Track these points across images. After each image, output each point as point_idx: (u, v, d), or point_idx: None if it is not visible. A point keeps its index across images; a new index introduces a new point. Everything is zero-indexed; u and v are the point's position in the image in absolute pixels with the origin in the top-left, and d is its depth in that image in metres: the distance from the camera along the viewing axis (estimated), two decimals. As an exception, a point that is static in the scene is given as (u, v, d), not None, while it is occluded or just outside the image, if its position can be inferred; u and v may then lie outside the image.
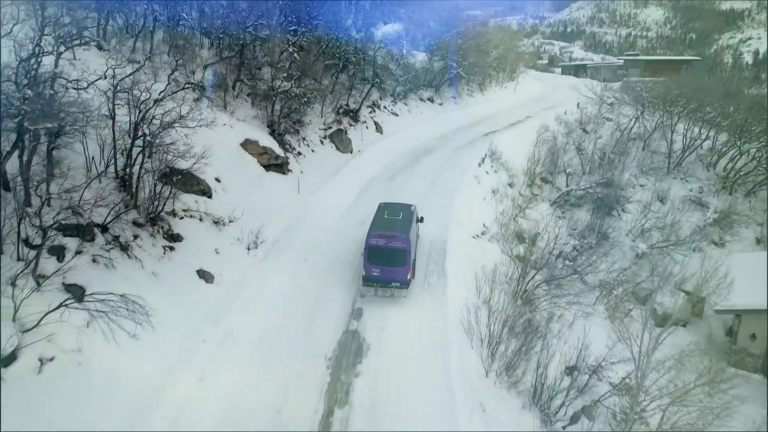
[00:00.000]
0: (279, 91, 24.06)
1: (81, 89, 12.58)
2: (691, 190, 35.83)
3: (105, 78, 13.16)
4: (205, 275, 15.13)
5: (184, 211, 16.33)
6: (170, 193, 14.88)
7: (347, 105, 32.87)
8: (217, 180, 19.21)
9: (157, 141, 14.39)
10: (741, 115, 36.62)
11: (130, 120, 14.47)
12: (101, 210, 13.18)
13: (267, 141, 22.93)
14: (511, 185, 31.11)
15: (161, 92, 14.09)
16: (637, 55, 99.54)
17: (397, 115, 37.68)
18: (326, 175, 26.15)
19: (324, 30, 32.88)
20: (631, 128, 42.65)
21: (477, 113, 44.43)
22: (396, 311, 15.59)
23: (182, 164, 15.94)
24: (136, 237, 13.95)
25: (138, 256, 13.60)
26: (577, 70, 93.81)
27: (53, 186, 12.52)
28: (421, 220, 19.64)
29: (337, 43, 32.30)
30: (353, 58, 33.16)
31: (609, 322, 22.02)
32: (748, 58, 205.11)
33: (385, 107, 37.01)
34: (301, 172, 24.64)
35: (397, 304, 15.92)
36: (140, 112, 13.36)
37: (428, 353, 13.71)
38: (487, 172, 30.21)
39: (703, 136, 38.40)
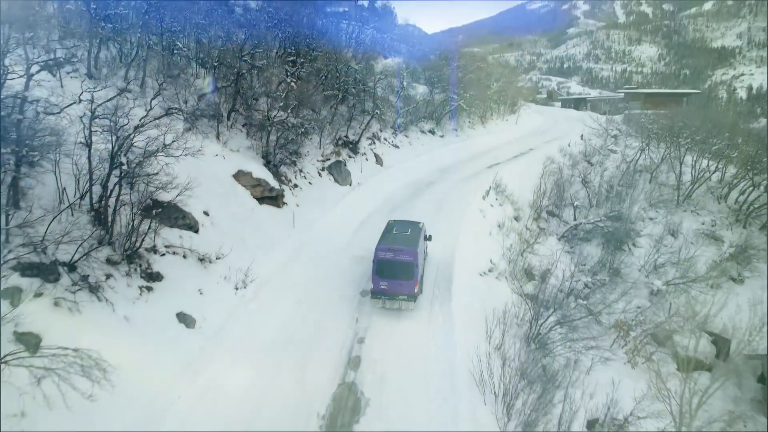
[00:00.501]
0: (275, 120, 23.14)
1: (52, 114, 11.45)
2: (703, 223, 34.52)
3: (79, 102, 12.06)
4: (185, 319, 13.59)
5: (166, 247, 14.95)
6: (149, 227, 13.53)
7: (346, 136, 32.04)
8: (206, 213, 17.93)
9: (138, 171, 13.18)
10: (751, 147, 35.75)
11: (111, 148, 13.36)
12: (70, 247, 11.81)
13: (261, 172, 21.81)
14: (517, 219, 29.82)
15: (142, 118, 12.97)
16: (637, 88, 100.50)
17: (397, 147, 36.86)
18: (324, 208, 24.91)
19: (324, 62, 32.52)
20: (637, 160, 41.78)
21: (479, 145, 43.73)
22: (399, 360, 13.95)
23: (166, 196, 14.73)
24: (108, 276, 12.51)
25: (109, 299, 12.12)
26: (578, 103, 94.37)
27: (16, 219, 11.20)
28: (429, 238, 19.77)
29: (336, 74, 31.80)
30: (353, 89, 32.61)
31: (630, 367, 20.27)
32: (742, 93, 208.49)
33: (385, 139, 36.22)
34: (297, 205, 23.40)
35: (400, 352, 14.30)
36: (118, 139, 12.17)
37: (436, 411, 12.03)
38: (491, 206, 28.99)
39: (712, 168, 37.42)
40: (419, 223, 19.26)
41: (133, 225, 13.16)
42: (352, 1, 71.09)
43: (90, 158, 12.83)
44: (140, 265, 13.54)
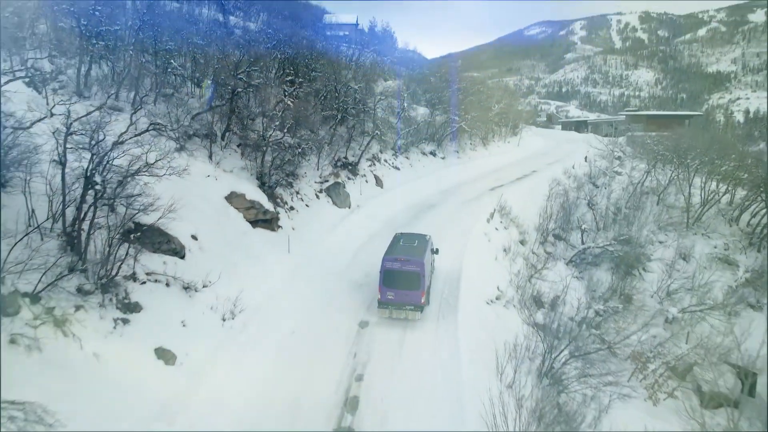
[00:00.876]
0: (271, 140, 22.20)
1: (22, 129, 10.42)
2: (715, 247, 33.27)
3: (50, 116, 11.05)
4: (164, 355, 12.25)
5: (147, 274, 13.71)
6: (127, 252, 12.34)
7: (345, 157, 31.12)
8: (194, 237, 16.75)
9: (117, 191, 12.08)
10: (761, 168, 34.80)
11: (86, 166, 12.29)
12: (35, 275, 10.60)
13: (255, 194, 20.72)
14: (522, 242, 28.60)
15: (121, 134, 11.92)
16: (638, 110, 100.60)
17: (398, 168, 35.92)
18: (321, 231, 23.75)
19: (323, 82, 31.89)
20: (643, 182, 40.81)
21: (481, 167, 42.88)
22: (401, 401, 12.53)
23: (149, 219, 13.60)
24: (78, 308, 11.24)
25: (77, 333, 10.82)
26: (579, 125, 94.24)
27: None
28: (436, 251, 19.84)
29: (335, 94, 31.11)
30: (353, 110, 31.88)
31: (651, 404, 18.73)
32: (740, 117, 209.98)
33: (385, 160, 35.30)
34: (293, 229, 22.24)
35: (403, 391, 12.89)
36: (93, 156, 11.10)
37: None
38: (496, 229, 27.83)
39: (722, 190, 36.39)
40: (426, 235, 19.33)
41: (109, 250, 11.96)
42: (352, 25, 71.80)
43: (64, 177, 11.74)
44: (116, 295, 12.28)
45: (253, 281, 17.27)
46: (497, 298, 20.13)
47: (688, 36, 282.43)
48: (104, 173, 11.26)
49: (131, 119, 13.22)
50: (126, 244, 12.67)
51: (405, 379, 13.36)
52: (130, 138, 12.21)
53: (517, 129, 60.39)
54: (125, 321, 12.01)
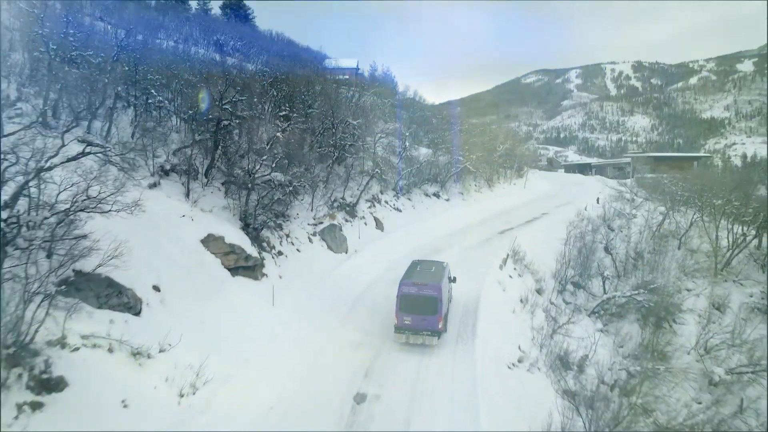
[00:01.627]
0: (257, 176, 19.74)
1: None
2: (751, 296, 30.12)
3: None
4: (89, 452, 9.09)
5: (83, 338, 10.73)
6: (47, 312, 9.44)
7: (343, 198, 28.67)
8: (156, 288, 13.90)
9: (42, 233, 9.37)
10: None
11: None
12: None
13: (236, 237, 18.02)
14: (539, 291, 25.56)
15: (49, 158, 9.35)
16: (643, 152, 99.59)
17: (399, 210, 33.41)
18: (313, 279, 20.85)
19: (320, 118, 29.94)
20: (661, 224, 38.14)
21: (488, 209, 40.45)
22: None
23: (89, 265, 10.82)
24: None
25: (-40, 428, 7.77)
26: (583, 168, 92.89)
27: None
28: (454, 279, 19.42)
29: (333, 130, 29.06)
30: (351, 148, 29.77)
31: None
32: (737, 161, 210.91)
33: (386, 202, 32.85)
34: (280, 277, 19.36)
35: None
36: (2, 184, 8.48)
37: None
38: (510, 276, 24.91)
39: (752, 233, 33.66)
40: (443, 262, 19.32)
41: (24, 308, 9.09)
42: (352, 69, 71.72)
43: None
44: (32, 369, 9.28)
45: (227, 342, 14.23)
46: (519, 361, 16.92)
47: (680, 84, 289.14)
48: (14, 208, 8.57)
49: (62, 139, 10.64)
50: (60, 298, 9.79)
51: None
52: (61, 163, 9.63)
53: (522, 171, 58.53)
54: (37, 405, 8.94)
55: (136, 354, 11.43)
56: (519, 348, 17.66)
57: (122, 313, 12.29)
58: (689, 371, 21.83)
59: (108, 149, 13.10)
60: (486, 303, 19.71)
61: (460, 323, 17.77)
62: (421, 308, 15.57)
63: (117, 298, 12.15)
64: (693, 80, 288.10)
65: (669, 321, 27.73)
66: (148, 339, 12.07)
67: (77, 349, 10.42)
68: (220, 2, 65.58)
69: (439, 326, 15.68)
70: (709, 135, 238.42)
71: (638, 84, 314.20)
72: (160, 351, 12.08)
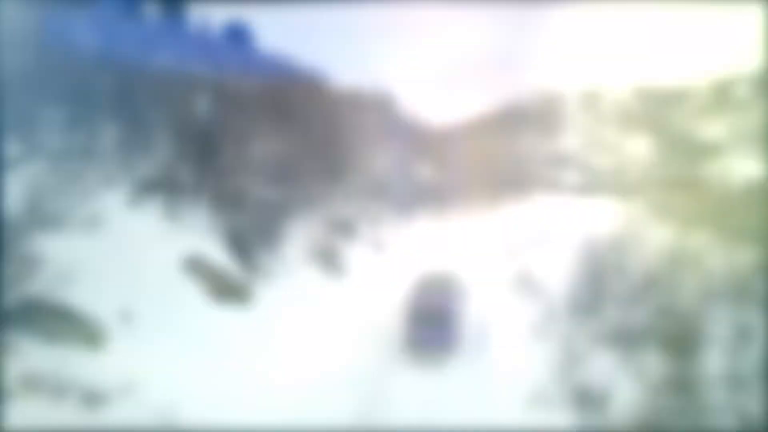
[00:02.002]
0: (249, 192, 18.21)
1: None
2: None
3: None
4: None
5: (24, 382, 8.92)
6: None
7: (344, 217, 27.11)
8: (123, 318, 12.13)
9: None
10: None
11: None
12: None
13: (222, 259, 16.33)
14: (551, 317, 23.71)
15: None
16: (645, 172, 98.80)
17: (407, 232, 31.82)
18: (307, 307, 19.00)
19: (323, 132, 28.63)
20: (675, 244, 36.45)
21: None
22: None
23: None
24: None
25: None
26: (584, 188, 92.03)
27: None
28: (467, 294, 18.78)
29: (335, 147, 27.74)
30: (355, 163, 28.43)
31: None
32: (738, 183, 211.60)
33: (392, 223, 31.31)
34: (271, 305, 17.54)
35: None
36: None
37: None
38: (521, 299, 23.10)
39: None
40: (456, 274, 19.17)
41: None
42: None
43: None
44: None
45: (202, 380, 12.35)
46: (539, 400, 15.01)
47: (676, 107, 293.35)
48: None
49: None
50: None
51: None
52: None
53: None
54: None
55: (89, 399, 9.58)
56: (536, 384, 15.76)
57: (78, 347, 10.50)
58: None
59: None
60: (501, 331, 17.91)
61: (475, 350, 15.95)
62: (434, 321, 15.41)
63: (72, 329, 10.38)
64: (689, 103, 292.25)
65: (693, 348, 25.79)
66: (109, 378, 10.25)
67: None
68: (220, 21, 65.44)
69: (452, 340, 15.44)
70: (708, 156, 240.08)
71: (635, 105, 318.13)
72: (124, 392, 10.23)
